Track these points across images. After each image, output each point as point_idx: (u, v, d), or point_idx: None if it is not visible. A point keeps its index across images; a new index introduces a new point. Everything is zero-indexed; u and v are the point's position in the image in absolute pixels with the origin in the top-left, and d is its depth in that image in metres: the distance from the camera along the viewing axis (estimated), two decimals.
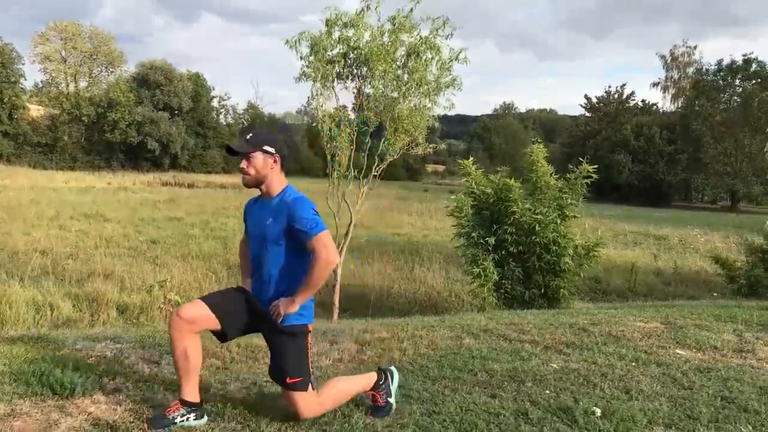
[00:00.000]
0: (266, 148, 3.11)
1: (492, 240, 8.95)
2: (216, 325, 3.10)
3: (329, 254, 2.98)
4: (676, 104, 60.94)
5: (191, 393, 3.09)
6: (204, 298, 3.16)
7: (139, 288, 9.74)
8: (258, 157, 3.10)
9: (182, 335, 3.02)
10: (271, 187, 3.15)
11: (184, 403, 3.06)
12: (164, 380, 3.66)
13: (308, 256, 3.02)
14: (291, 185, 3.22)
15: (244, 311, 3.18)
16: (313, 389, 3.14)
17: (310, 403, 3.10)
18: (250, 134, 3.17)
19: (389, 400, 3.34)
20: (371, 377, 3.38)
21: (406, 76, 9.10)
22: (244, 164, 3.10)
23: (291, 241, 3.07)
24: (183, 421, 3.03)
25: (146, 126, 52.98)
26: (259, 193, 3.23)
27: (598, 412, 3.35)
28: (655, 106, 60.61)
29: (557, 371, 4.12)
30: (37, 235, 14.64)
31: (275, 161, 3.14)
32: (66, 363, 3.68)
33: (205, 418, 3.13)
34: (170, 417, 3.02)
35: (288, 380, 3.06)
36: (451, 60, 9.12)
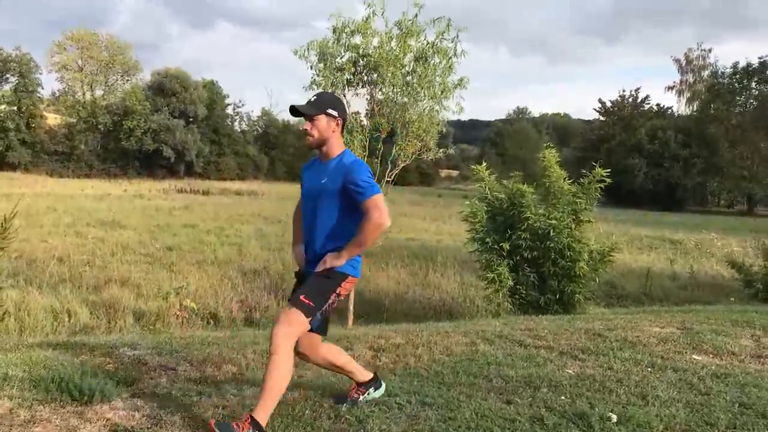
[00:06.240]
0: (330, 111, 3.18)
1: (506, 245, 8.93)
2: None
3: (382, 216, 3.05)
4: (691, 108, 60.44)
5: (362, 375, 3.52)
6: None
7: (155, 295, 9.80)
8: (322, 120, 3.17)
9: (313, 356, 3.39)
10: (332, 149, 3.23)
11: (361, 384, 3.50)
12: (182, 386, 3.69)
13: (359, 217, 3.08)
14: (349, 150, 3.31)
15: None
16: (309, 325, 3.11)
17: (293, 328, 3.02)
18: (315, 97, 3.25)
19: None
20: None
21: (415, 80, 9.09)
22: (307, 126, 3.18)
23: (345, 200, 3.14)
24: (366, 396, 3.48)
25: (162, 134, 53.36)
26: (316, 155, 3.32)
27: (614, 418, 3.34)
28: (669, 110, 60.11)
29: (573, 377, 4.11)
30: (54, 242, 14.78)
31: (337, 124, 3.22)
32: (84, 369, 3.73)
33: (383, 385, 3.59)
34: (353, 398, 3.45)
35: (301, 298, 3.07)
36: (450, 58, 9.09)
